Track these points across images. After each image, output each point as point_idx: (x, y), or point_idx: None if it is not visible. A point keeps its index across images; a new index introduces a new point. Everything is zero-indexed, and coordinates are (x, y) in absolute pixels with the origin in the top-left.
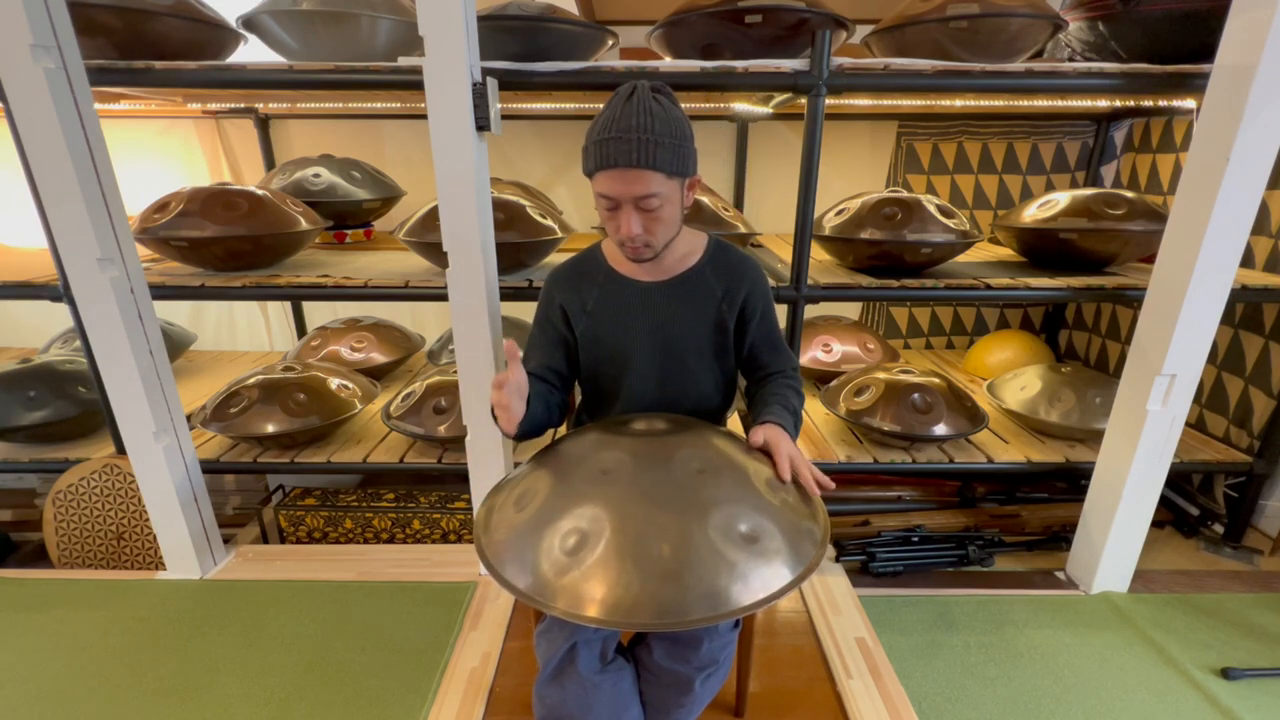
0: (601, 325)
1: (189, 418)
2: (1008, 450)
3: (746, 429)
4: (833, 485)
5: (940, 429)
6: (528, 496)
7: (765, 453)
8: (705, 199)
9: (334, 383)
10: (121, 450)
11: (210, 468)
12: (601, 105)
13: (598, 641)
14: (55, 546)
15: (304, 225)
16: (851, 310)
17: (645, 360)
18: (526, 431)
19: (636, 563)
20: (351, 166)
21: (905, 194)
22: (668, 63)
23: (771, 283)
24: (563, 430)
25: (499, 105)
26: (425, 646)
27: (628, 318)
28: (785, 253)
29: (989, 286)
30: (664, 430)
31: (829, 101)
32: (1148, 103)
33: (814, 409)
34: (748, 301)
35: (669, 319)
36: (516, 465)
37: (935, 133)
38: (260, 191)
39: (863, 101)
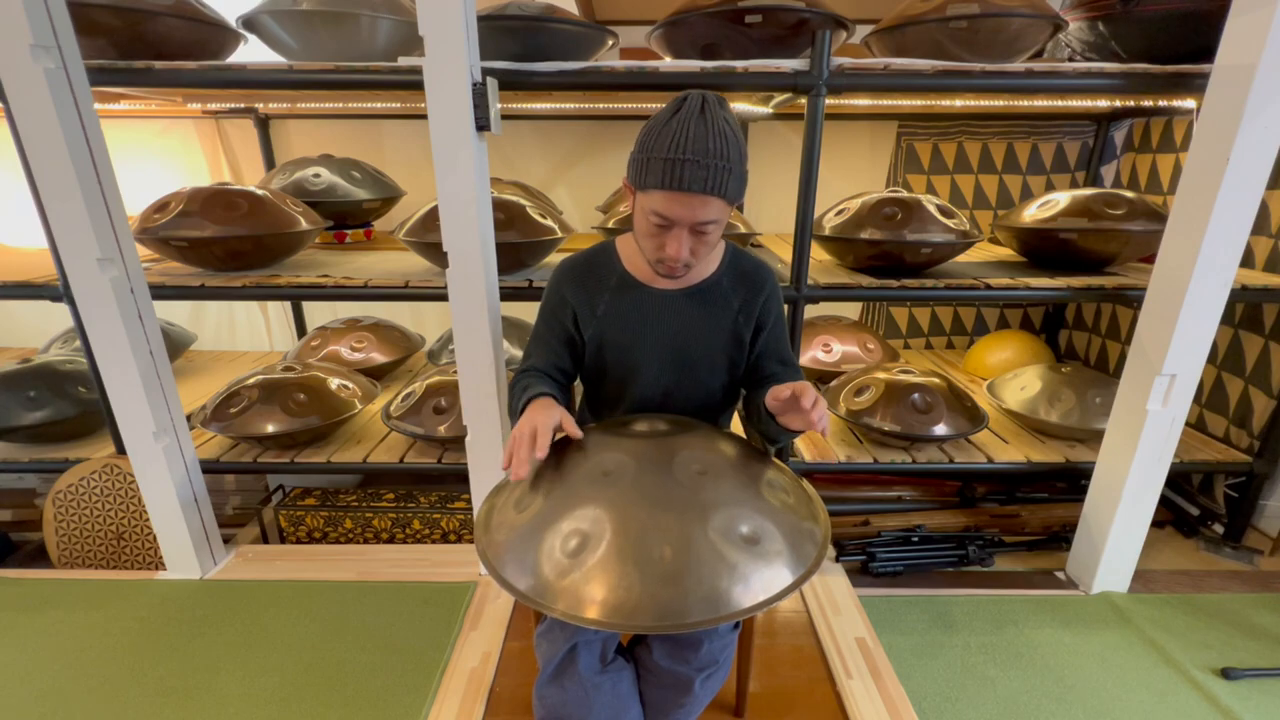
0: (612, 331)
1: (189, 418)
2: (1008, 450)
3: (748, 432)
4: (827, 433)
5: (940, 429)
6: (528, 497)
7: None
8: None
9: (334, 383)
10: (121, 450)
11: (210, 468)
12: (602, 105)
13: (598, 642)
14: (55, 546)
15: (304, 225)
16: (851, 310)
17: (655, 369)
18: None
19: (638, 565)
20: (351, 166)
21: (905, 194)
22: (668, 63)
23: None
24: None
25: (499, 105)
26: (425, 646)
27: (640, 326)
28: (785, 253)
29: (989, 286)
30: (665, 431)
31: (829, 101)
32: (1148, 103)
33: None
34: (763, 311)
35: (683, 329)
36: None
37: (935, 133)
38: (260, 191)
39: (863, 101)
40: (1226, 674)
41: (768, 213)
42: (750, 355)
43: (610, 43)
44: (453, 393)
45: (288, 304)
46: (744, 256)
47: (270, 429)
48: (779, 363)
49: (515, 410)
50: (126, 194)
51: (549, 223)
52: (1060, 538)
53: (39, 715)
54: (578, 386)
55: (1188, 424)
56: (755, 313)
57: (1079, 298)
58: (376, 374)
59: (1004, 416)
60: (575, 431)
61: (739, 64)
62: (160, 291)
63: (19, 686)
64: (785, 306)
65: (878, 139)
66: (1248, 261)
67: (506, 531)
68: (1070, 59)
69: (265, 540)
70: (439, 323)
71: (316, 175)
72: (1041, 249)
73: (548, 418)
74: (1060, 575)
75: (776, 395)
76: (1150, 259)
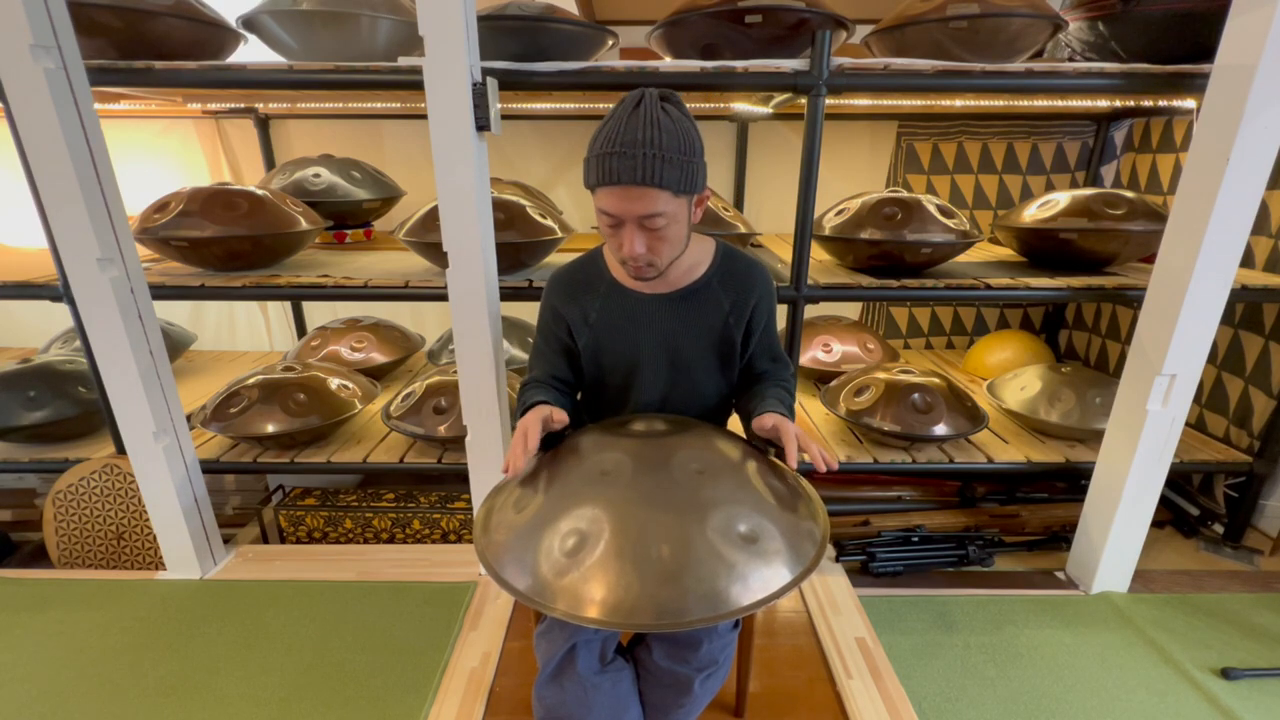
0: (604, 338)
1: (189, 418)
2: (1008, 450)
3: (746, 431)
4: (836, 465)
5: (940, 429)
6: (527, 498)
7: (769, 440)
8: None
9: (334, 383)
10: (121, 450)
11: (210, 468)
12: (601, 105)
13: (597, 642)
14: (55, 546)
15: (304, 225)
16: (851, 310)
17: (650, 374)
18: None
19: (636, 564)
20: (351, 166)
21: (905, 194)
22: (668, 63)
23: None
24: None
25: (499, 105)
26: (425, 646)
27: (632, 331)
28: (785, 253)
29: (989, 286)
30: (663, 431)
31: (829, 101)
32: (1148, 103)
33: (814, 409)
34: (755, 314)
35: (675, 333)
36: None
37: (935, 133)
38: (260, 191)
39: (863, 101)
40: (1226, 674)
41: (768, 213)
42: (745, 356)
43: (610, 43)
44: (453, 393)
45: (288, 304)
46: (736, 258)
47: (270, 429)
48: (770, 359)
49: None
50: (126, 194)
51: (549, 223)
52: (1060, 538)
53: (39, 715)
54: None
55: (1188, 424)
56: (746, 315)
57: (1079, 298)
58: (376, 374)
59: (1004, 416)
60: (561, 418)
61: (739, 64)
62: (160, 291)
63: (19, 686)
64: (785, 306)
65: (878, 139)
66: (1248, 261)
67: (505, 532)
68: (1070, 59)
69: (265, 540)
70: (439, 323)
71: (316, 175)
72: (1041, 249)
73: (534, 417)
74: (1060, 575)
75: (760, 427)
76: (1150, 259)
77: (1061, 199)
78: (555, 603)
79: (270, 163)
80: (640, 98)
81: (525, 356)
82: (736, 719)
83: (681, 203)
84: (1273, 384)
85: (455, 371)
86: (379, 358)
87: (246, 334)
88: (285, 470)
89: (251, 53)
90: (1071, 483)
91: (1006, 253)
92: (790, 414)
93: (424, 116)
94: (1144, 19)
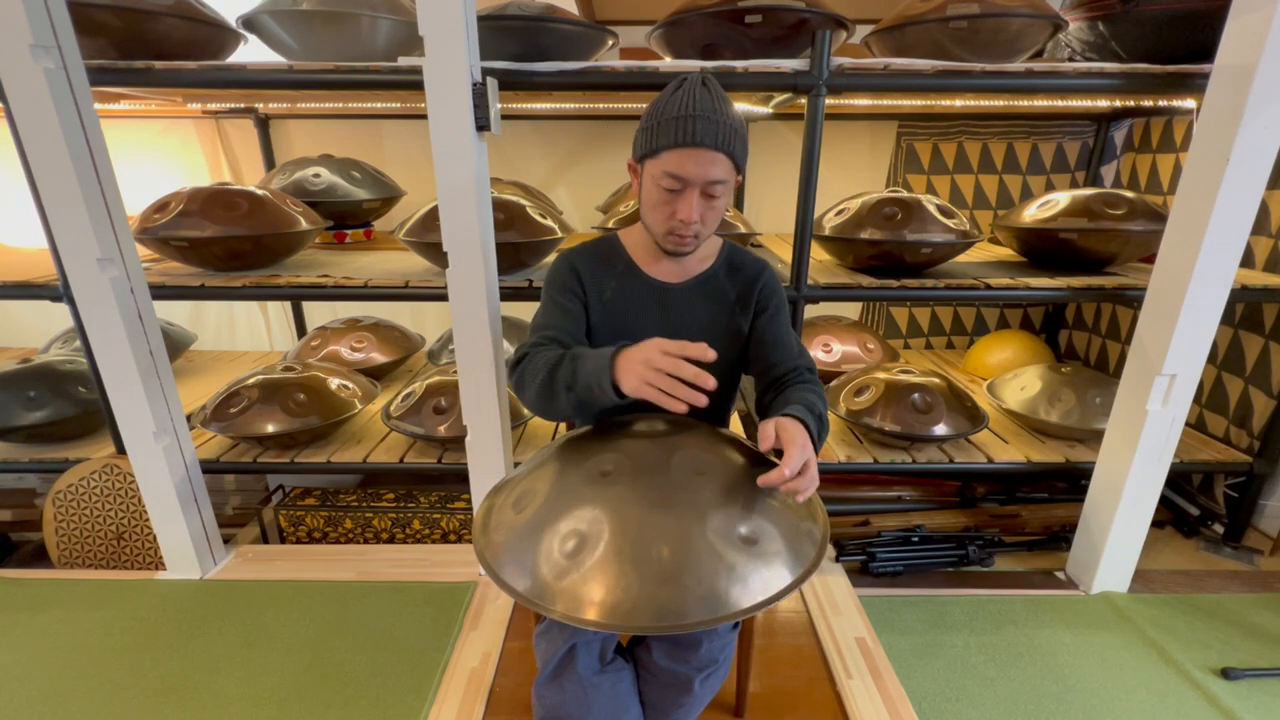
0: (616, 319)
1: (189, 418)
2: (1008, 450)
3: (747, 431)
4: (803, 499)
5: (940, 429)
6: (526, 498)
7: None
8: None
9: (334, 383)
10: (121, 450)
11: (210, 468)
12: (602, 105)
13: (597, 642)
14: (55, 546)
15: (304, 225)
16: (851, 310)
17: None
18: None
19: (636, 565)
20: (351, 166)
21: (905, 194)
22: (668, 63)
23: None
24: (563, 428)
25: (499, 105)
26: (425, 646)
27: (643, 316)
28: (785, 253)
29: (989, 286)
30: (664, 431)
31: (829, 101)
32: (1148, 103)
33: None
34: (760, 300)
35: (684, 321)
36: (516, 465)
37: (935, 133)
38: (260, 191)
39: (863, 101)
40: (1226, 674)
41: (768, 213)
42: (752, 344)
43: (610, 43)
44: (453, 393)
45: (288, 304)
46: (740, 251)
47: (270, 429)
48: (781, 349)
49: (561, 380)
50: (126, 194)
51: (549, 223)
52: (1060, 538)
53: (39, 715)
54: None
55: (1188, 424)
56: (752, 301)
57: (1079, 298)
58: (376, 374)
59: (1004, 416)
60: (707, 353)
61: (739, 64)
62: (160, 291)
63: (19, 686)
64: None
65: (878, 139)
66: (1248, 261)
67: (505, 532)
68: (1070, 59)
69: (265, 540)
70: (439, 323)
71: (316, 175)
72: (1041, 249)
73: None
74: (1060, 575)
75: (763, 436)
76: (1150, 259)
77: (1061, 199)
78: (554, 604)
79: (270, 163)
80: (703, 78)
81: None
82: (736, 719)
83: (734, 179)
84: (1273, 384)
85: (455, 371)
86: (379, 358)
87: (246, 334)
88: (285, 470)
89: (251, 53)
90: (1071, 483)
91: (1006, 253)
92: (817, 421)
93: (424, 116)
94: (1144, 19)
